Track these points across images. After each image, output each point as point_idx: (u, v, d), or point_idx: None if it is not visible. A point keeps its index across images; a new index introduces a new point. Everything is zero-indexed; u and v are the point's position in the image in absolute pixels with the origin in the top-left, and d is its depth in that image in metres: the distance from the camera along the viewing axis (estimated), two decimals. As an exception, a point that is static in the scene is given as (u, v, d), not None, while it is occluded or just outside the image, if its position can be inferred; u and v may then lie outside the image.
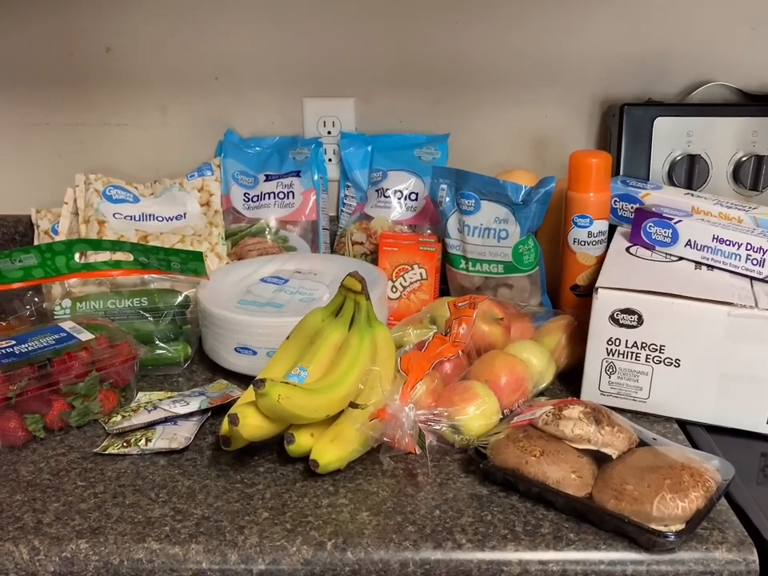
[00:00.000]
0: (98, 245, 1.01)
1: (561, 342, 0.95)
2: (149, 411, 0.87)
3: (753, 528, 0.71)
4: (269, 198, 1.21)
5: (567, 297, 1.05)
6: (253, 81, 1.23)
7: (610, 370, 0.88)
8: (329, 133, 1.24)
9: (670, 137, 1.11)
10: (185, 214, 1.18)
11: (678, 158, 1.11)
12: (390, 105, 1.23)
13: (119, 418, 0.88)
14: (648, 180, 1.11)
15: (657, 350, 0.85)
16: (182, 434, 0.84)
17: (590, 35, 1.17)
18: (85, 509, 0.74)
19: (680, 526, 0.68)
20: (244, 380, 0.94)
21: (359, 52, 1.21)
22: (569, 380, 0.95)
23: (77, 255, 1.00)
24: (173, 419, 0.86)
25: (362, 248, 1.20)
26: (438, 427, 0.79)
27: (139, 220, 1.16)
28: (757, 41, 1.15)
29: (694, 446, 0.83)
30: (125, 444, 0.83)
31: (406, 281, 1.10)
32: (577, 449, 0.75)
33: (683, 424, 0.87)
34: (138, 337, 0.96)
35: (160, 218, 1.17)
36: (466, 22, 1.18)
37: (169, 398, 0.91)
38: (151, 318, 0.99)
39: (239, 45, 1.21)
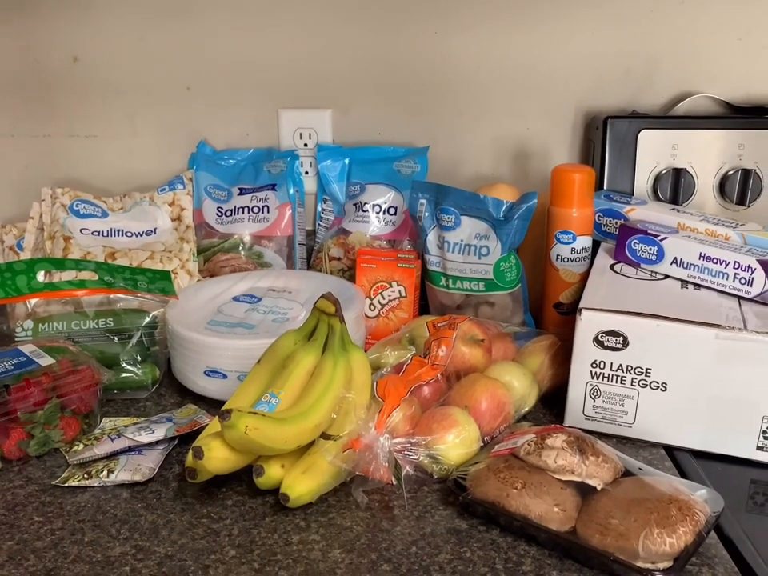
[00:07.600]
0: (60, 264, 0.96)
1: (544, 364, 0.92)
2: (112, 440, 0.83)
3: (743, 562, 0.68)
4: (243, 213, 1.17)
5: (550, 315, 1.02)
6: (226, 91, 1.20)
7: (595, 393, 0.85)
8: (305, 145, 1.21)
9: (655, 150, 1.09)
10: (155, 230, 1.14)
11: (663, 171, 1.09)
12: (368, 116, 1.20)
13: (81, 446, 0.84)
14: (632, 194, 1.09)
15: (643, 373, 0.83)
16: (146, 465, 0.80)
17: (573, 45, 1.15)
18: (40, 547, 0.70)
19: (668, 564, 0.65)
20: (214, 404, 0.90)
21: (337, 62, 1.18)
22: (552, 403, 0.92)
23: (41, 274, 0.96)
24: (137, 448, 0.82)
25: (339, 264, 1.17)
26: (415, 457, 0.76)
27: (107, 236, 1.12)
28: (743, 52, 1.13)
29: (682, 473, 0.81)
30: (86, 476, 0.79)
31: (384, 298, 1.06)
32: (560, 480, 0.72)
33: (670, 450, 0.85)
34: (103, 359, 0.93)
35: (129, 234, 1.13)
36: (446, 31, 1.16)
37: (134, 424, 0.87)
38: (117, 340, 0.96)
39: (212, 54, 1.18)
